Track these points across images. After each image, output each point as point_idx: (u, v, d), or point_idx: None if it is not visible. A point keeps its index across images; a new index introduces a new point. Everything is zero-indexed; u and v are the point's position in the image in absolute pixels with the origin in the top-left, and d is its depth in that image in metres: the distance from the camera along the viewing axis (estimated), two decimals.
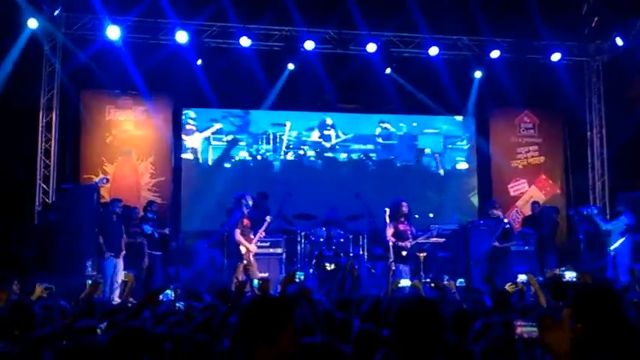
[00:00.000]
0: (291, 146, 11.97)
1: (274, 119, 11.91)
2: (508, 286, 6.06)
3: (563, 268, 8.66)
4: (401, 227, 8.25)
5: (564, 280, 7.50)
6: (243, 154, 11.84)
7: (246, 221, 8.33)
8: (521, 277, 7.02)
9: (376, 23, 10.76)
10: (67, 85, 10.57)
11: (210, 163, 11.73)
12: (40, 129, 10.37)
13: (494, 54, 11.18)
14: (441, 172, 12.35)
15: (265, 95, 11.21)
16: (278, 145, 11.93)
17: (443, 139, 12.38)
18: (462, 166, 12.41)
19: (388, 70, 11.23)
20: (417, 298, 2.60)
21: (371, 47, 10.81)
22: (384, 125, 12.31)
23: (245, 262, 8.16)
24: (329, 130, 12.12)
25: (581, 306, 2.34)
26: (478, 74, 11.53)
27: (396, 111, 11.90)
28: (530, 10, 10.47)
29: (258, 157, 11.90)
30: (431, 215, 11.48)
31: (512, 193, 12.02)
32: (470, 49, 11.44)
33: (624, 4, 10.91)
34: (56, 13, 10.27)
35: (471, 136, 12.38)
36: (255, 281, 7.57)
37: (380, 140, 12.28)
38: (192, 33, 10.46)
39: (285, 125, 11.91)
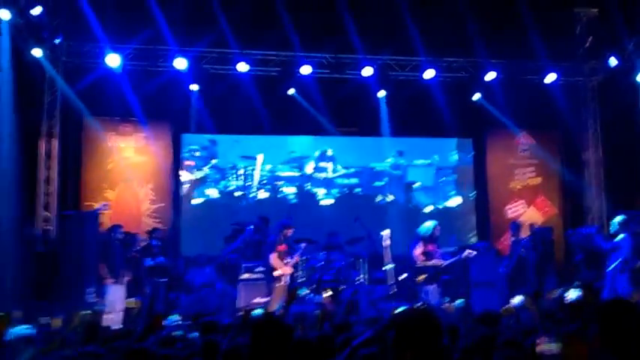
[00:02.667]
0: (264, 182, 11.70)
1: (244, 151, 11.71)
2: (503, 310, 6.28)
3: (560, 290, 8.89)
4: (430, 248, 8.62)
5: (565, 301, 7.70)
6: (210, 192, 11.65)
7: (281, 247, 8.78)
8: (515, 300, 7.24)
9: (372, 47, 11.06)
10: (69, 112, 10.89)
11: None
12: (40, 156, 10.64)
13: (490, 76, 11.47)
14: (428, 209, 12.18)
15: (263, 120, 11.50)
16: (248, 182, 11.62)
17: (435, 172, 12.27)
18: (456, 201, 12.45)
19: (383, 93, 11.53)
20: (415, 309, 2.82)
21: (367, 71, 11.12)
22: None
23: (282, 284, 8.56)
24: (327, 162, 12.03)
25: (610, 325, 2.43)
26: (477, 96, 11.82)
27: (391, 134, 12.19)
28: (525, 31, 10.77)
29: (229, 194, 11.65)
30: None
31: (509, 215, 12.29)
32: (466, 71, 11.76)
33: (617, 24, 11.24)
34: (57, 41, 10.58)
35: (462, 159, 12.65)
36: (259, 310, 7.87)
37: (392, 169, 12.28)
38: (191, 59, 10.80)
39: (255, 159, 11.69)
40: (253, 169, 11.79)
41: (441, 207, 12.37)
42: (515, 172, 12.58)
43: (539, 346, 3.41)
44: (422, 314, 2.62)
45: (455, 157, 12.61)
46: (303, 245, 9.07)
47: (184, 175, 11.70)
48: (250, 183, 11.74)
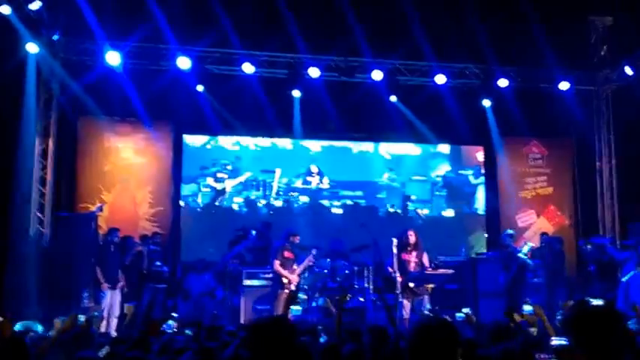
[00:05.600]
0: (280, 193, 12.71)
1: (264, 165, 12.61)
2: (515, 317, 6.32)
3: (573, 301, 8.97)
4: (404, 257, 8.43)
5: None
6: (237, 200, 12.59)
7: (288, 253, 8.91)
8: (527, 308, 7.30)
9: (382, 51, 11.36)
10: (65, 111, 10.98)
11: (200, 207, 12.37)
12: (35, 156, 10.68)
13: (503, 83, 11.70)
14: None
15: (268, 123, 11.65)
16: (267, 192, 12.68)
17: (430, 186, 13.18)
18: (449, 213, 13.12)
19: (393, 98, 11.67)
20: (435, 318, 2.86)
21: (376, 75, 11.30)
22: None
23: (287, 291, 8.53)
24: (313, 176, 12.91)
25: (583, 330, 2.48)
26: (487, 103, 11.97)
27: (401, 139, 12.34)
28: (538, 38, 11.01)
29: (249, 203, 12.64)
30: None
31: (520, 224, 12.59)
32: (477, 77, 11.96)
33: (632, 33, 11.41)
34: (55, 37, 10.68)
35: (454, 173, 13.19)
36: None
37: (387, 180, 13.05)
38: (194, 59, 10.98)
39: (274, 172, 12.67)
40: (272, 182, 12.66)
41: (436, 215, 13.13)
42: (526, 181, 12.90)
43: None
44: (441, 325, 2.70)
45: (449, 173, 13.26)
46: (314, 251, 9.14)
47: (214, 185, 12.45)
48: (269, 193, 12.75)
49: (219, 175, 12.46)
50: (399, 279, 8.28)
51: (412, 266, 8.42)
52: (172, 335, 6.27)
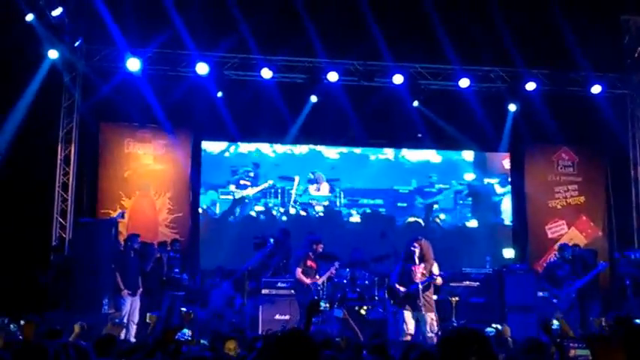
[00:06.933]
0: (298, 201, 12.84)
1: (283, 173, 12.78)
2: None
3: (606, 317, 8.87)
4: (411, 267, 8.27)
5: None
6: (256, 208, 12.79)
7: (310, 262, 8.99)
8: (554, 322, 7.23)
9: (403, 54, 11.35)
10: (87, 117, 11.35)
11: (219, 214, 12.66)
12: (58, 162, 11.08)
13: (530, 86, 11.60)
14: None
15: (288, 128, 11.83)
16: (286, 200, 12.82)
17: (453, 195, 13.08)
18: (473, 224, 13.02)
19: (416, 103, 11.73)
20: (466, 328, 2.82)
21: (397, 79, 11.36)
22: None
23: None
24: (311, 184, 12.99)
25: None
26: (512, 107, 11.93)
27: (424, 145, 12.38)
28: (568, 39, 10.88)
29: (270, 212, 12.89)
30: None
31: (550, 235, 12.34)
32: (503, 80, 11.90)
33: None
34: (77, 44, 11.06)
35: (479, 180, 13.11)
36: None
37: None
38: (212, 65, 11.21)
39: (293, 180, 12.81)
40: (290, 189, 12.81)
41: (459, 225, 13.05)
42: (556, 190, 12.60)
43: (572, 352, 3.65)
44: (471, 332, 2.62)
45: (474, 181, 13.18)
46: (337, 264, 9.23)
47: (235, 192, 12.73)
48: (287, 201, 12.91)
49: (241, 182, 12.64)
50: (401, 289, 8.13)
51: (418, 277, 8.18)
52: (184, 343, 6.43)
